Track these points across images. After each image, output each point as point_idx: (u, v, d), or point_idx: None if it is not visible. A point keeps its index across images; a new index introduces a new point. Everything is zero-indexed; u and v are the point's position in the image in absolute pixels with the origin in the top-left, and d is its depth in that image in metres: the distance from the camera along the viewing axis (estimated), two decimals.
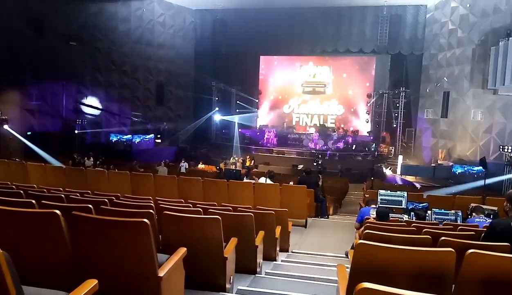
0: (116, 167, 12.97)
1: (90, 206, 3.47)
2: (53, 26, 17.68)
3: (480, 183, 12.27)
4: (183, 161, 17.26)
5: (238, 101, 25.84)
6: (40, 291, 2.08)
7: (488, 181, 12.48)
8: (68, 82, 18.64)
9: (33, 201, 3.40)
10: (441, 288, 2.30)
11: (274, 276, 4.68)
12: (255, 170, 18.15)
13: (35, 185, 6.60)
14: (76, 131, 18.98)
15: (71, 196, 4.96)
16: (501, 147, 15.38)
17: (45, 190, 5.83)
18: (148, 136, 22.08)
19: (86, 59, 19.60)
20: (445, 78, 19.47)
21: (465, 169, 16.85)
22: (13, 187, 5.86)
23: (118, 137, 21.19)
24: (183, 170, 15.96)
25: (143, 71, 22.98)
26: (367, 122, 24.27)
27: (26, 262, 2.50)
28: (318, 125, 24.75)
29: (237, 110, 25.83)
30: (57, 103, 18.88)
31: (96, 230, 2.56)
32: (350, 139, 22.75)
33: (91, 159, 14.78)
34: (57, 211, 2.48)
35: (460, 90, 18.53)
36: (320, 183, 10.78)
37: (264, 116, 26.26)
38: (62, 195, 4.85)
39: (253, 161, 20.35)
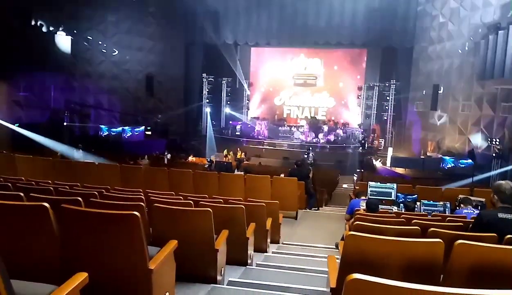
0: (105, 159, 12.86)
1: (79, 198, 3.44)
2: (41, 16, 17.36)
3: (470, 179, 12.42)
4: (166, 152, 18.06)
5: (229, 94, 25.78)
6: (29, 285, 2.06)
7: (478, 177, 12.68)
8: (57, 73, 18.35)
9: (21, 194, 3.37)
10: (430, 278, 2.33)
11: (265, 268, 4.71)
12: (247, 162, 18.18)
13: (23, 178, 6.52)
14: (65, 123, 18.75)
15: (60, 189, 4.91)
16: (489, 139, 15.59)
17: (33, 182, 5.77)
18: (138, 129, 21.91)
19: (75, 50, 19.27)
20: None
21: (454, 163, 16.99)
22: (1, 179, 5.78)
23: (109, 130, 21.00)
24: (166, 161, 16.35)
25: (133, 62, 22.73)
26: (358, 114, 24.39)
27: (15, 256, 2.47)
28: (309, 117, 24.80)
29: (228, 102, 25.77)
30: (45, 95, 18.61)
31: (85, 223, 2.54)
32: (340, 132, 22.87)
33: (80, 151, 14.66)
34: (46, 204, 2.45)
35: (449, 83, 18.67)
36: (310, 175, 10.81)
37: (255, 109, 26.22)
38: (51, 188, 4.80)
39: (244, 154, 20.38)
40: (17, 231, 2.49)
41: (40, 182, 6.04)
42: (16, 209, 2.50)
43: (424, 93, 20.38)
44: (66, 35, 17.96)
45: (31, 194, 3.63)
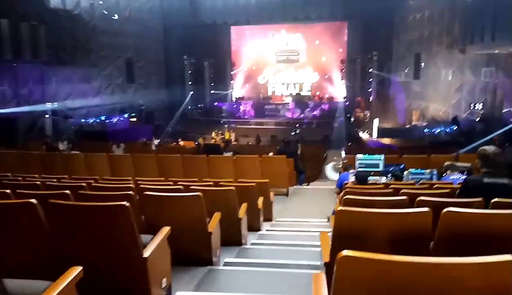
0: (91, 149, 12.66)
1: (67, 191, 3.40)
2: (11, 6, 16.72)
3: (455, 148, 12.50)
4: (154, 139, 17.73)
5: (211, 75, 25.50)
6: (24, 283, 2.05)
7: (463, 149, 12.82)
8: (33, 64, 17.82)
9: (8, 191, 3.31)
10: (420, 247, 2.39)
11: (260, 246, 4.77)
12: (235, 143, 18.16)
13: (9, 174, 6.40)
14: (46, 116, 18.35)
15: (47, 183, 4.85)
16: (471, 105, 15.82)
17: (20, 178, 5.67)
18: (123, 116, 21.58)
19: (49, 39, 18.67)
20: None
21: (440, 128, 17.10)
22: None
23: (94, 118, 20.62)
24: (153, 147, 16.03)
25: (111, 48, 22.18)
26: (343, 88, 24.38)
27: (7, 255, 2.45)
28: (294, 94, 24.74)
29: (212, 83, 25.54)
30: (22, 87, 18.11)
31: (75, 216, 2.52)
32: (326, 107, 22.90)
33: (65, 142, 14.37)
34: (33, 200, 2.42)
35: (430, 51, 18.77)
36: (299, 152, 10.87)
37: (239, 88, 26.02)
38: (38, 182, 4.73)
39: (233, 134, 20.32)
40: (6, 230, 2.46)
41: (27, 176, 5.94)
42: (2, 207, 2.46)
43: (406, 64, 20.46)
44: (39, 24, 17.36)
45: (18, 191, 3.58)
